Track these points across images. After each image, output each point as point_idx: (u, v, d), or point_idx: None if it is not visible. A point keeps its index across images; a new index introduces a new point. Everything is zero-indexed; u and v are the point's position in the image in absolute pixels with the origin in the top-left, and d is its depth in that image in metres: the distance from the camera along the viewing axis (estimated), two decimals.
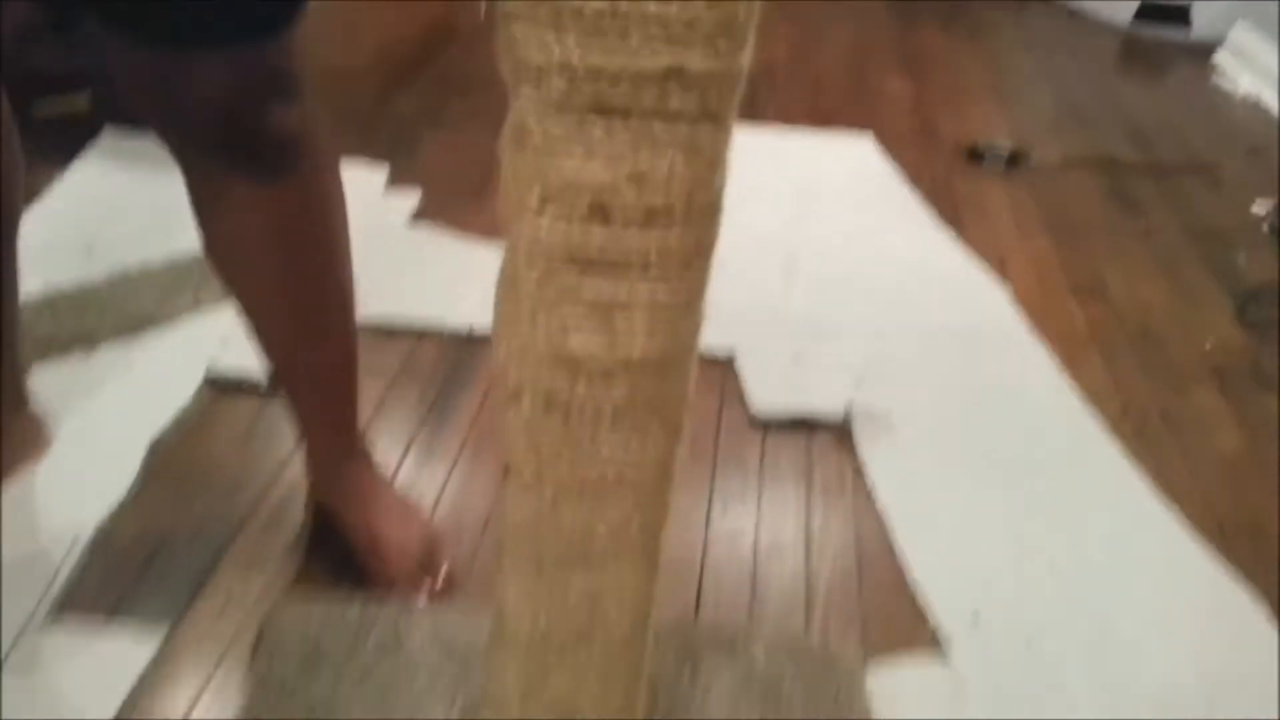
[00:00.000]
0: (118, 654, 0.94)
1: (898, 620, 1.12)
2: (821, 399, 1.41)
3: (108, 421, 1.21)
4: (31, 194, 1.59)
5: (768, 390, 1.42)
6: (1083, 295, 1.82)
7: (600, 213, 0.51)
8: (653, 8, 0.45)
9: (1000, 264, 1.85)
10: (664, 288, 0.54)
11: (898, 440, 1.37)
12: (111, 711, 0.89)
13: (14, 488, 1.10)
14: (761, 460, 1.33)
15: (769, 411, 1.39)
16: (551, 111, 0.49)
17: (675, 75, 0.47)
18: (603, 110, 0.48)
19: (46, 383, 1.22)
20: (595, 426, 0.58)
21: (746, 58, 0.49)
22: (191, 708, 0.91)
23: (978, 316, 1.67)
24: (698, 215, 0.52)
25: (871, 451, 1.34)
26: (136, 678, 0.92)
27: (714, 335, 1.45)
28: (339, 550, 1.08)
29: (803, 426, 1.39)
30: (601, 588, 0.65)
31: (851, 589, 1.15)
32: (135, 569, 1.04)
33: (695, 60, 0.46)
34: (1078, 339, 1.69)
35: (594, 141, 0.49)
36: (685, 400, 0.61)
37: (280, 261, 0.93)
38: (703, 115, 0.49)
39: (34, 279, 1.30)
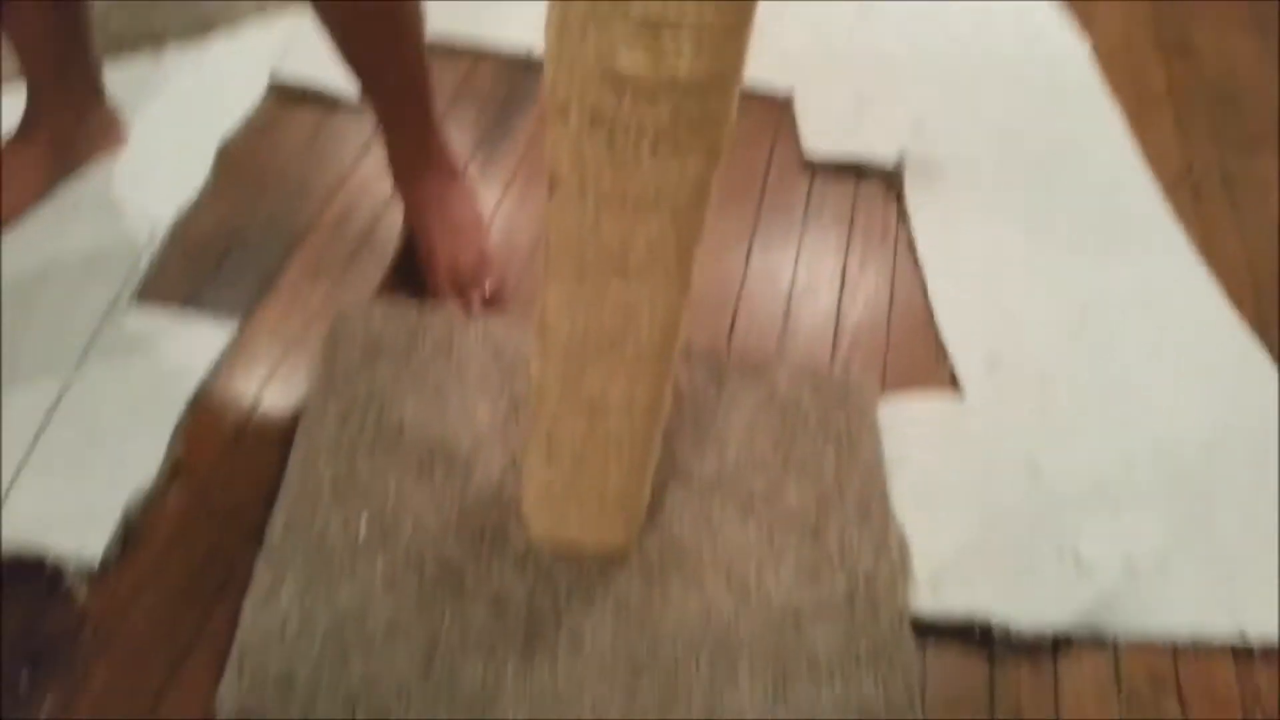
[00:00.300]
0: (194, 340, 1.03)
1: (919, 361, 1.18)
2: (875, 144, 1.41)
3: (178, 120, 1.26)
4: None
5: (822, 133, 1.42)
6: (1168, 52, 1.74)
7: None
8: None
9: (1088, 15, 1.77)
10: (712, 8, 0.55)
11: (946, 189, 1.38)
12: (189, 392, 0.99)
13: (94, 178, 1.17)
14: (807, 202, 1.35)
15: (820, 154, 1.40)
16: None
17: None
18: None
19: (117, 80, 1.26)
20: (638, 144, 0.61)
21: None
22: (261, 390, 1.02)
23: (1052, 68, 1.62)
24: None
25: (918, 199, 1.36)
26: (212, 363, 1.02)
27: (775, 73, 1.48)
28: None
29: (852, 171, 1.40)
30: (636, 299, 0.70)
31: (879, 330, 1.21)
32: (209, 264, 1.12)
33: None
34: (1153, 98, 1.64)
35: None
36: (727, 125, 0.63)
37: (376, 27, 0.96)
38: None
39: None
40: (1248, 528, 1.06)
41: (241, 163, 1.25)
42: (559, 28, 0.59)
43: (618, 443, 0.81)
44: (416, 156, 1.12)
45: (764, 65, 1.32)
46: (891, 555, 0.96)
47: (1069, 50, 1.66)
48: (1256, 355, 1.23)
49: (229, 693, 0.79)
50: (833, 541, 0.96)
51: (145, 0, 1.39)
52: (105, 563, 0.86)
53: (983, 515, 1.03)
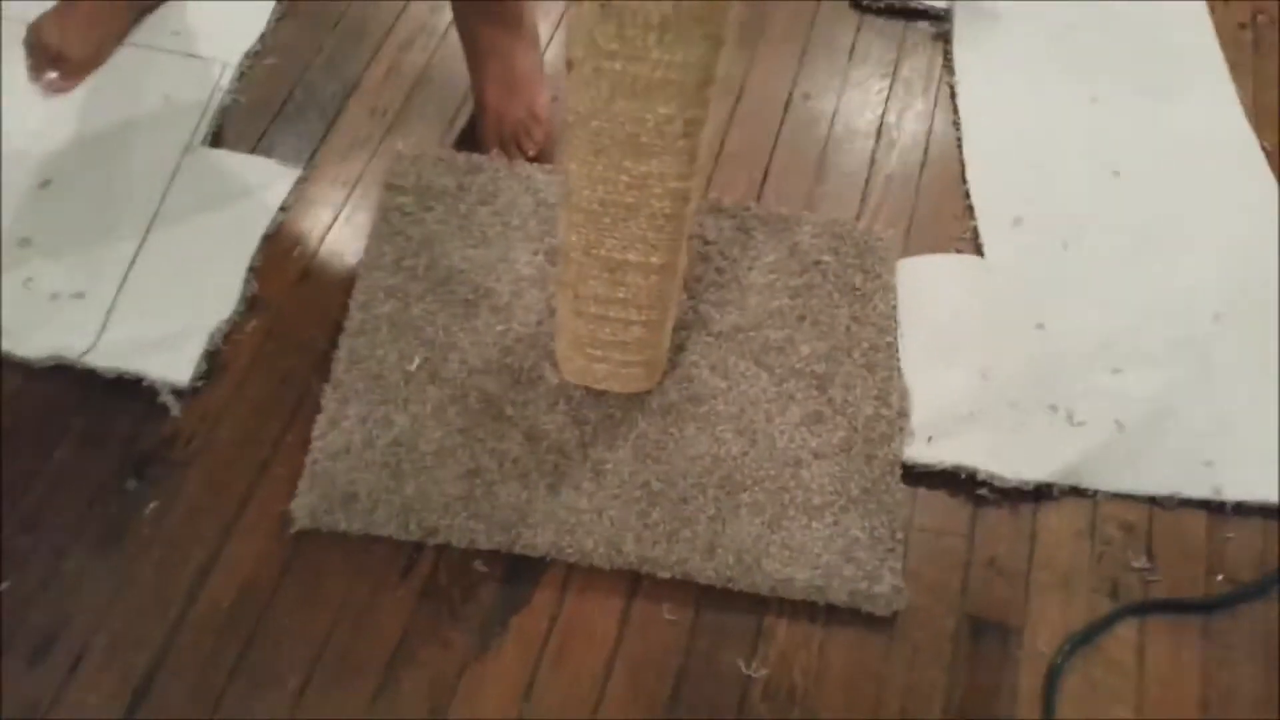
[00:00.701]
0: (264, 182, 1.11)
1: (945, 218, 1.20)
2: None
3: None
4: None
5: None
6: None
7: None
8: None
9: None
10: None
11: (996, 35, 1.35)
12: (261, 231, 1.07)
13: (168, 17, 1.22)
14: (852, 48, 1.34)
15: None
16: None
17: None
18: None
19: None
20: (645, 31, 0.65)
21: None
22: (326, 230, 1.10)
23: None
24: None
25: (965, 47, 1.33)
26: (280, 203, 1.10)
27: None
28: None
29: (901, 14, 1.37)
30: (647, 173, 0.75)
31: (910, 185, 1.22)
32: (274, 106, 1.18)
33: None
34: None
35: None
36: (728, 16, 0.66)
37: None
38: None
39: None
40: (1241, 394, 1.10)
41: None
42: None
43: (636, 300, 0.87)
44: (487, 8, 1.12)
45: None
46: (891, 406, 1.03)
47: None
48: None
49: (303, 503, 0.91)
50: (838, 392, 1.03)
51: None
52: (194, 384, 0.98)
53: (985, 371, 1.08)
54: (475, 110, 1.17)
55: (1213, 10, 1.43)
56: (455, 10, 1.13)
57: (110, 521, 0.91)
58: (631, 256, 0.83)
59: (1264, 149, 1.29)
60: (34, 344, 0.98)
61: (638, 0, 0.62)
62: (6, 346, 0.97)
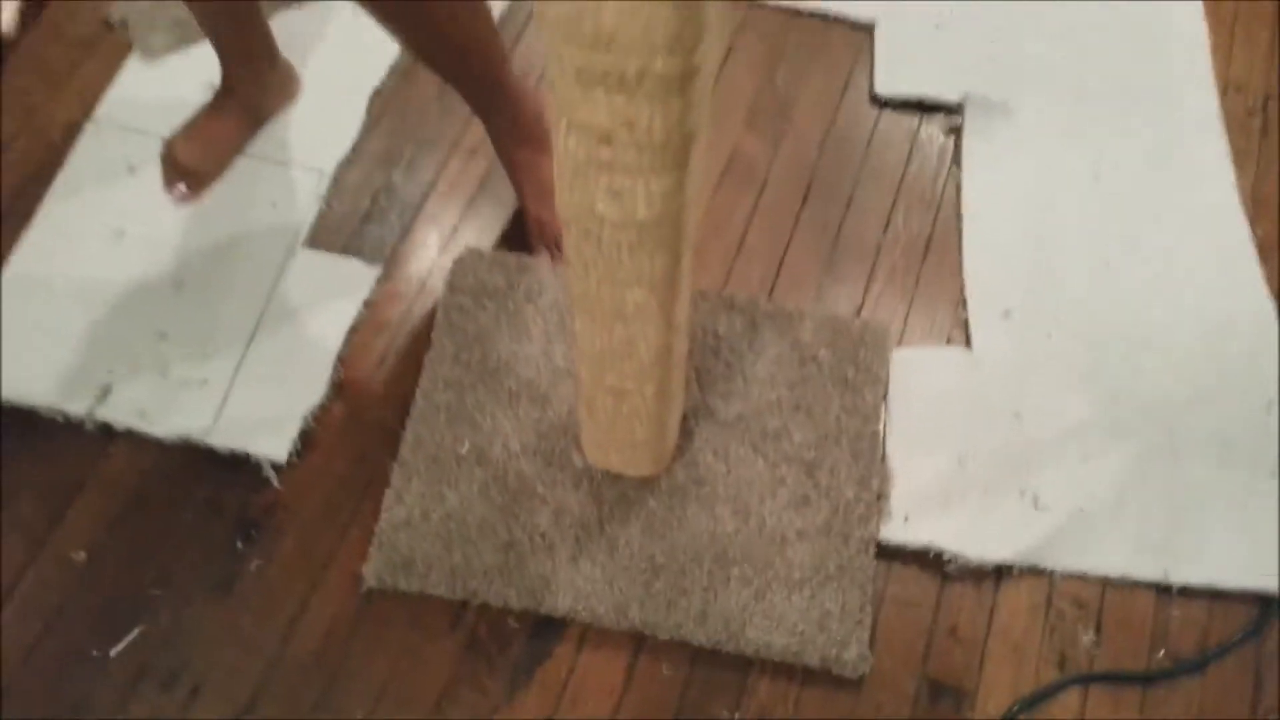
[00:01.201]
0: (350, 280, 1.29)
1: (941, 310, 1.31)
2: (944, 80, 1.45)
3: (338, 70, 1.46)
4: None
5: (895, 66, 1.47)
6: None
7: (607, 140, 0.67)
8: None
9: None
10: (657, 181, 0.71)
11: (1005, 131, 1.43)
12: (347, 325, 1.26)
13: (274, 131, 1.41)
14: (870, 140, 1.44)
15: (889, 90, 1.46)
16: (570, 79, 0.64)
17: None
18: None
19: (286, 31, 1.46)
20: (618, 249, 0.79)
21: None
22: (401, 322, 1.28)
23: None
24: (673, 152, 0.67)
25: (975, 141, 1.42)
26: (364, 299, 1.28)
27: (860, 4, 1.51)
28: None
29: (917, 108, 1.46)
30: (633, 334, 0.89)
31: (911, 275, 1.33)
32: (361, 210, 1.36)
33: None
34: (1258, 14, 1.57)
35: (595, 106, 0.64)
36: (684, 235, 0.79)
37: (422, 20, 1.08)
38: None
39: None
40: (1201, 484, 1.18)
41: (387, 109, 1.45)
42: (559, 180, 0.76)
43: (638, 415, 1.02)
44: (505, 129, 1.27)
45: None
46: (871, 490, 1.16)
47: None
48: (1266, 318, 1.28)
49: (372, 567, 1.10)
50: (824, 476, 1.16)
51: None
52: (290, 460, 1.18)
53: (962, 457, 1.20)
54: (524, 215, 1.33)
55: (1224, 95, 1.47)
56: (490, 135, 1.29)
57: (222, 576, 1.11)
58: (630, 386, 0.98)
59: (1255, 237, 1.35)
60: (167, 425, 1.19)
61: (610, 233, 0.77)
62: (146, 427, 1.18)
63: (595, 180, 0.72)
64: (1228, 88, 1.48)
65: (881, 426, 1.20)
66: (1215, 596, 1.14)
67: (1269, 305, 1.29)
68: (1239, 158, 1.41)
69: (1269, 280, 1.31)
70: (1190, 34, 1.51)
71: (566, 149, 0.70)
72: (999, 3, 1.53)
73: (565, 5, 0.58)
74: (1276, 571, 1.13)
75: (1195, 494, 1.17)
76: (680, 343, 0.95)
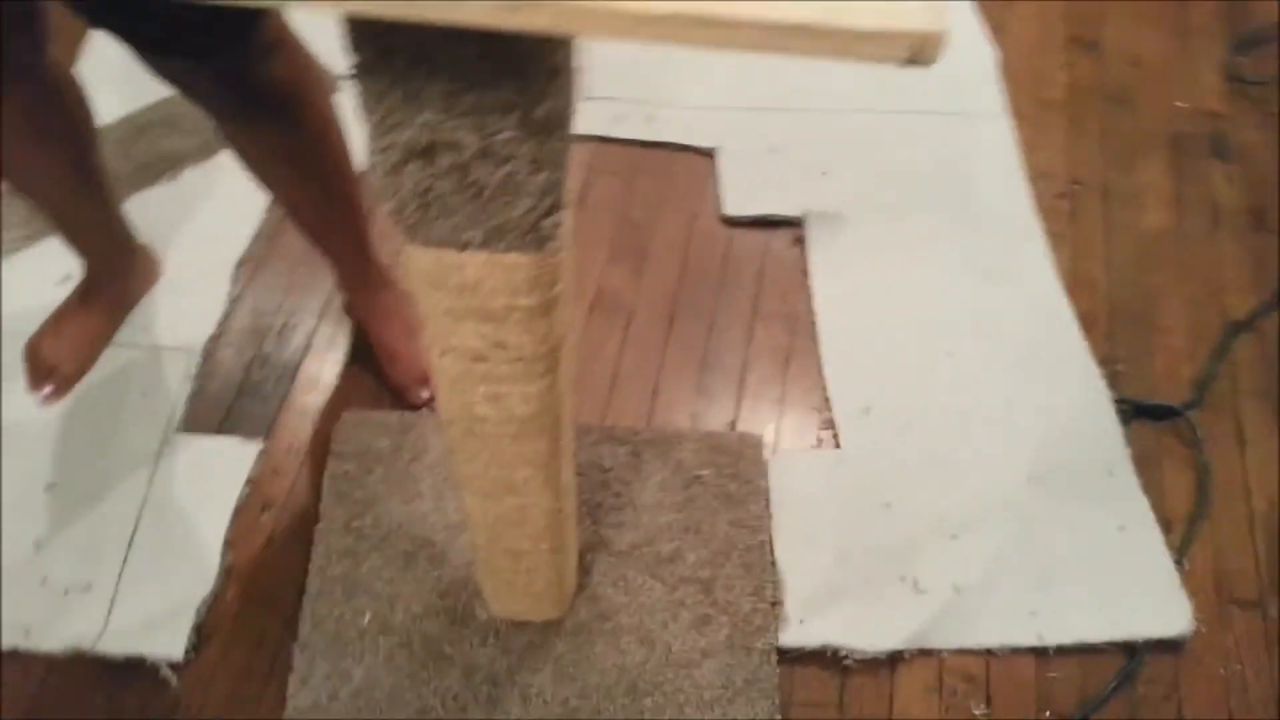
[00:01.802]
0: (231, 460, 1.29)
1: (808, 410, 1.40)
2: (783, 198, 1.57)
3: (200, 244, 1.47)
4: None
5: (739, 189, 1.58)
6: (1075, 50, 1.83)
7: (480, 359, 0.73)
8: None
9: (1004, 8, 1.85)
10: (533, 389, 0.76)
11: (845, 235, 1.55)
12: (232, 506, 1.26)
13: (139, 315, 1.40)
14: (725, 259, 1.53)
15: (737, 211, 1.56)
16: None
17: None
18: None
19: (143, 211, 1.46)
20: (501, 441, 0.84)
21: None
22: (286, 497, 1.28)
23: (955, 91, 1.72)
24: (544, 361, 0.73)
25: (818, 250, 1.53)
26: (246, 477, 1.28)
27: (700, 132, 1.62)
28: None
29: (764, 224, 1.57)
30: (524, 503, 0.94)
31: (778, 383, 1.42)
32: (235, 386, 1.36)
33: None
34: (1051, 102, 1.75)
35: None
36: (563, 419, 0.85)
37: (291, 172, 1.13)
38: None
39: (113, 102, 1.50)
40: (1059, 548, 1.29)
41: (253, 279, 1.47)
42: (440, 385, 0.80)
43: (537, 570, 1.06)
44: (359, 276, 1.31)
45: (686, 123, 1.48)
46: (765, 599, 1.22)
47: (976, 68, 1.76)
48: (1096, 386, 1.41)
49: None
50: (720, 593, 1.22)
51: (161, 127, 1.57)
52: (187, 656, 1.16)
53: (843, 553, 1.27)
54: (386, 365, 1.35)
55: (1032, 184, 1.63)
56: (342, 290, 1.33)
57: None
58: (526, 546, 1.02)
59: (1078, 314, 1.49)
60: (54, 638, 1.15)
61: (490, 428, 0.81)
62: (31, 643, 1.15)
63: (473, 389, 0.77)
64: (1036, 176, 1.64)
65: (768, 535, 1.27)
66: (1087, 651, 1.24)
67: (1096, 373, 1.42)
68: (1054, 240, 1.56)
69: (1094, 351, 1.45)
70: (996, 134, 1.68)
71: (442, 367, 0.75)
72: (824, 123, 1.67)
73: (429, 259, 0.64)
74: (1135, 619, 1.24)
75: (1054, 558, 1.28)
76: (570, 500, 1.00)
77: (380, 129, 0.54)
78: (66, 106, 1.13)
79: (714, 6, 0.35)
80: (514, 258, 0.63)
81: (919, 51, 0.37)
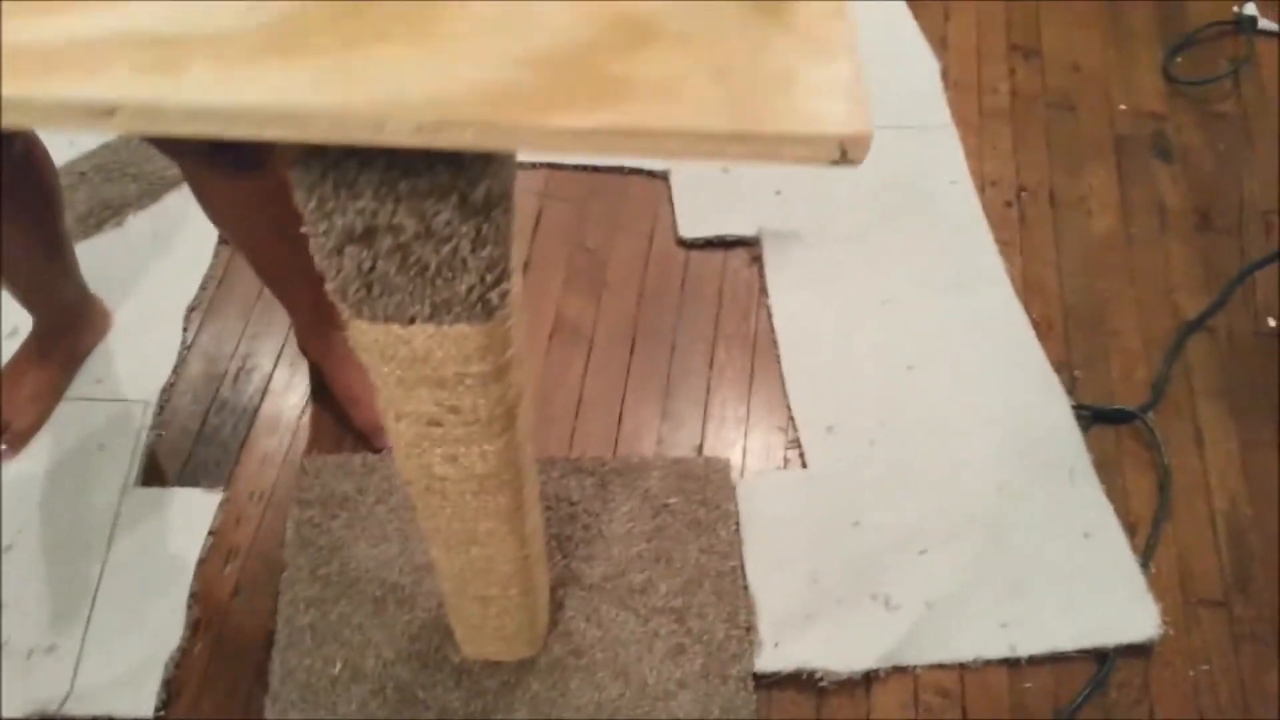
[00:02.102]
0: (191, 511, 1.26)
1: (773, 430, 1.39)
2: (739, 218, 1.57)
3: (148, 291, 1.44)
4: None
5: (693, 210, 1.57)
6: (1016, 55, 1.84)
7: (436, 423, 0.71)
8: None
9: (944, 20, 1.86)
10: (487, 443, 0.75)
11: (799, 254, 1.55)
12: (195, 558, 1.23)
13: (91, 365, 1.37)
14: (683, 285, 1.53)
15: (692, 233, 1.56)
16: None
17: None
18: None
19: (90, 259, 1.42)
20: (462, 498, 0.82)
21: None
22: (250, 546, 1.26)
23: (901, 105, 1.73)
24: (500, 421, 0.72)
25: (775, 269, 1.53)
26: (208, 529, 1.26)
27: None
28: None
29: (720, 245, 1.56)
30: (486, 554, 0.92)
31: (742, 405, 1.41)
32: (191, 435, 1.34)
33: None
34: (996, 110, 1.75)
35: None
36: (522, 473, 0.83)
37: (259, 221, 1.10)
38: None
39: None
40: (1026, 558, 1.29)
41: (205, 325, 1.44)
42: (397, 447, 0.78)
43: (507, 613, 1.05)
44: (316, 320, 1.29)
45: None
46: (739, 625, 1.21)
47: (921, 80, 1.76)
48: (1055, 394, 1.42)
49: None
50: (694, 622, 1.21)
51: (100, 174, 1.54)
52: (157, 713, 1.13)
53: (814, 574, 1.27)
54: (349, 408, 1.33)
55: (981, 193, 1.64)
56: (299, 333, 1.31)
57: None
58: (494, 592, 1.00)
59: (1033, 321, 1.50)
60: (19, 703, 1.12)
61: (452, 485, 0.80)
62: None
63: (430, 451, 0.76)
64: (984, 185, 1.65)
65: (739, 560, 1.27)
66: (1059, 660, 1.25)
67: (1054, 381, 1.43)
68: (1005, 249, 1.57)
69: (1050, 357, 1.46)
70: (944, 145, 1.68)
71: (397, 430, 0.74)
72: None
73: (376, 333, 0.62)
74: (1105, 625, 1.25)
75: (1023, 568, 1.28)
76: (536, 544, 0.98)
77: (316, 215, 0.52)
78: (36, 179, 1.10)
79: (641, 118, 0.34)
80: (462, 328, 0.62)
81: (847, 153, 0.37)
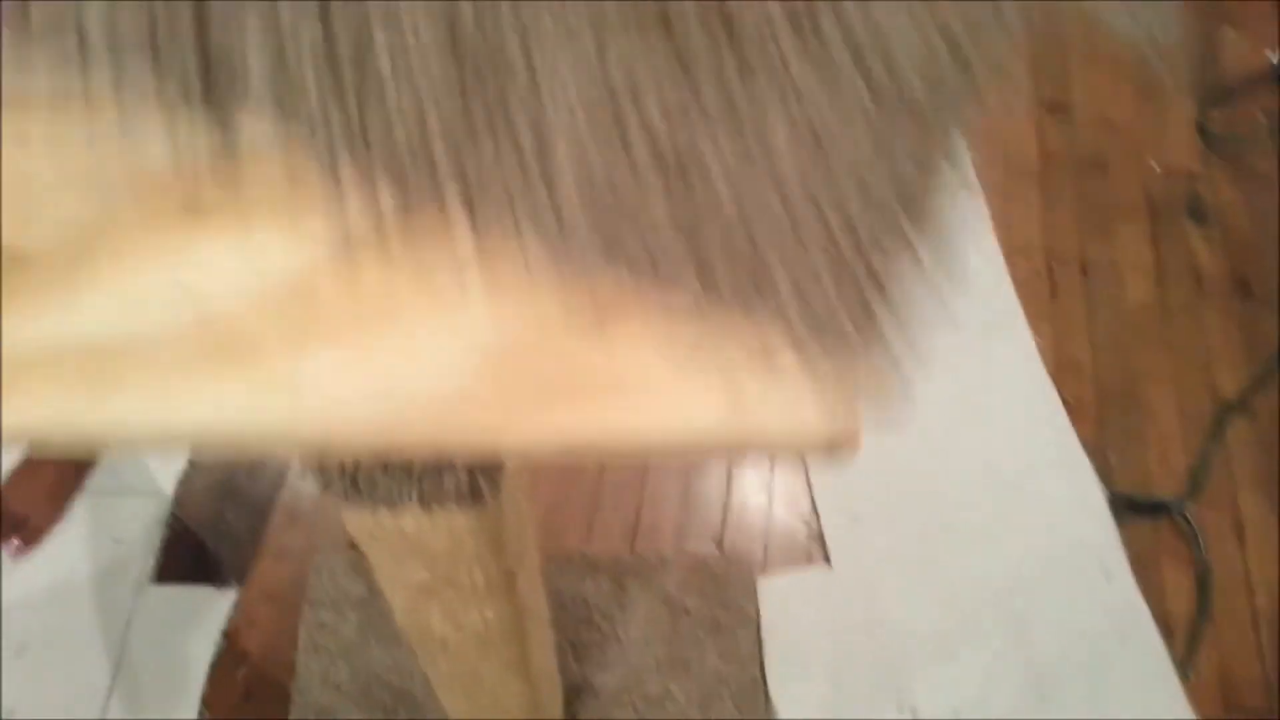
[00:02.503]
0: (204, 610, 1.24)
1: (796, 528, 1.34)
2: None
3: None
4: None
5: None
6: (1044, 112, 1.78)
7: (431, 593, 0.68)
8: None
9: None
10: (488, 608, 0.71)
11: None
12: (209, 658, 1.21)
13: (106, 460, 1.35)
14: None
15: None
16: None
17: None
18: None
19: None
20: (465, 653, 0.79)
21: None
22: (263, 646, 1.23)
23: None
24: (500, 588, 0.68)
25: None
26: (221, 629, 1.23)
27: None
28: None
29: None
30: (497, 696, 0.89)
31: (762, 502, 1.36)
32: (206, 533, 1.31)
33: None
34: (1024, 170, 1.70)
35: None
36: (527, 631, 0.80)
37: None
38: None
39: None
40: (1057, 661, 1.23)
41: None
42: (393, 605, 0.75)
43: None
44: None
45: None
46: None
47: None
48: (1089, 484, 1.36)
49: None
50: None
51: None
52: None
53: (837, 681, 1.22)
54: None
55: (1010, 260, 1.58)
56: None
57: None
58: (493, 705, 0.96)
59: (1065, 402, 1.44)
60: None
61: (453, 642, 0.76)
62: None
63: (426, 613, 0.72)
64: (1012, 252, 1.59)
65: (759, 667, 1.22)
66: None
67: (1088, 468, 1.37)
68: (1035, 322, 1.51)
69: (1084, 441, 1.40)
70: (969, 209, 1.63)
71: (391, 592, 0.70)
72: None
73: (362, 516, 0.59)
74: None
75: (1052, 674, 1.23)
76: (547, 683, 0.94)
77: None
78: None
79: (632, 423, 0.30)
80: (453, 512, 0.58)
81: (835, 449, 0.33)
